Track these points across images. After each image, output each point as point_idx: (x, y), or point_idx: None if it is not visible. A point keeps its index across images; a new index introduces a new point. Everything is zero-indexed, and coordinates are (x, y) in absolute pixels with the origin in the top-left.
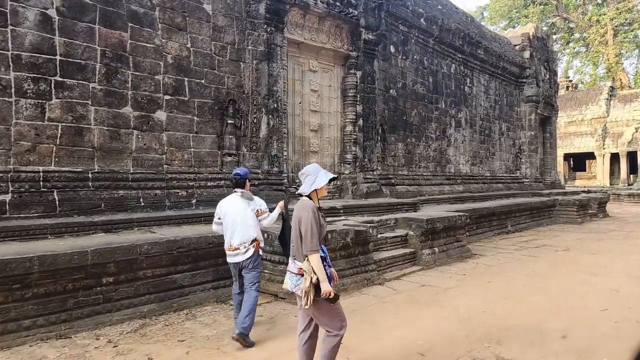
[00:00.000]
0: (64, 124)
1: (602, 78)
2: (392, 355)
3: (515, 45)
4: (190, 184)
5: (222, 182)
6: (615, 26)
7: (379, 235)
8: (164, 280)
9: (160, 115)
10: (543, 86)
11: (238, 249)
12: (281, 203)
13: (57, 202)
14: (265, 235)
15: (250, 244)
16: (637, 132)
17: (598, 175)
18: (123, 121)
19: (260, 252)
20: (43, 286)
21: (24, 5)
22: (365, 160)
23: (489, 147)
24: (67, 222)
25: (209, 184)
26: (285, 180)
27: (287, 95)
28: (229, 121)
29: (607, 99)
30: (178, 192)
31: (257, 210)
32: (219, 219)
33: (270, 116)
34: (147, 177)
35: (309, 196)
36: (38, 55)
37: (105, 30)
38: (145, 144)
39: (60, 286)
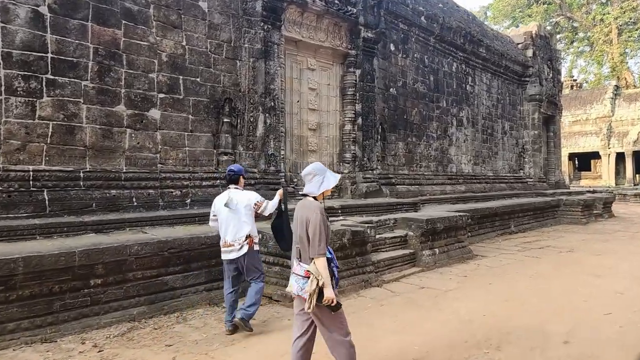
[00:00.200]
0: (55, 123)
1: (606, 77)
2: None
3: (518, 43)
4: (185, 183)
5: (218, 181)
6: (620, 25)
7: (377, 236)
8: (154, 282)
9: (155, 113)
10: (546, 85)
11: (232, 245)
12: (280, 191)
13: (47, 202)
14: (260, 235)
15: (245, 240)
16: None
17: (603, 175)
18: (116, 120)
19: (257, 248)
20: (28, 288)
21: (15, 2)
22: (365, 159)
23: (492, 146)
24: (56, 222)
25: (204, 183)
26: (283, 180)
27: (285, 94)
28: (225, 120)
29: (612, 98)
30: (172, 192)
31: (256, 204)
32: (214, 215)
33: (267, 115)
34: (140, 177)
35: (315, 197)
36: (29, 52)
37: (98, 27)
38: (138, 143)
39: (46, 288)
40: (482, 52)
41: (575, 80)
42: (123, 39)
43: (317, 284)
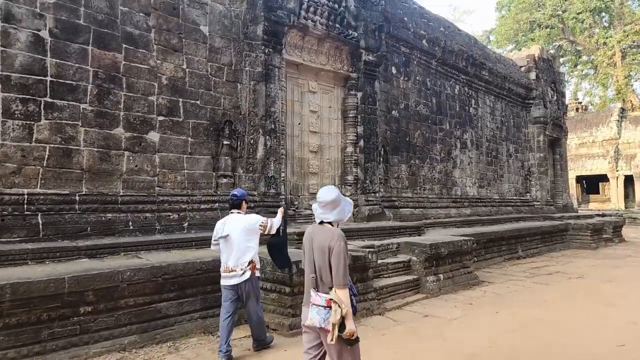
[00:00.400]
0: (52, 145)
1: (612, 100)
2: None
3: (521, 66)
4: (183, 206)
5: (217, 204)
6: (623, 48)
7: (379, 261)
8: (147, 310)
9: (153, 136)
10: (551, 107)
11: (234, 270)
12: (282, 209)
13: (40, 226)
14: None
15: (247, 265)
16: None
17: (612, 198)
18: (114, 142)
19: (258, 274)
20: (15, 316)
21: (16, 26)
22: (367, 182)
23: (497, 168)
24: (49, 247)
25: (203, 206)
26: (283, 202)
27: (286, 117)
28: (225, 142)
29: (618, 121)
30: (169, 215)
31: (261, 225)
32: (216, 240)
33: (267, 137)
34: (137, 200)
35: (330, 223)
36: (28, 76)
37: (98, 51)
38: (136, 166)
39: (34, 316)
40: (485, 75)
41: (580, 102)
42: (123, 62)
43: (341, 314)
